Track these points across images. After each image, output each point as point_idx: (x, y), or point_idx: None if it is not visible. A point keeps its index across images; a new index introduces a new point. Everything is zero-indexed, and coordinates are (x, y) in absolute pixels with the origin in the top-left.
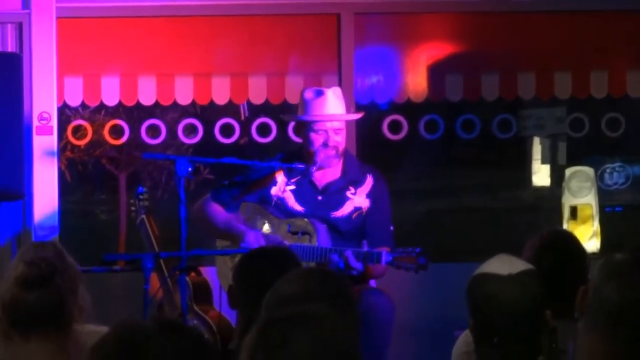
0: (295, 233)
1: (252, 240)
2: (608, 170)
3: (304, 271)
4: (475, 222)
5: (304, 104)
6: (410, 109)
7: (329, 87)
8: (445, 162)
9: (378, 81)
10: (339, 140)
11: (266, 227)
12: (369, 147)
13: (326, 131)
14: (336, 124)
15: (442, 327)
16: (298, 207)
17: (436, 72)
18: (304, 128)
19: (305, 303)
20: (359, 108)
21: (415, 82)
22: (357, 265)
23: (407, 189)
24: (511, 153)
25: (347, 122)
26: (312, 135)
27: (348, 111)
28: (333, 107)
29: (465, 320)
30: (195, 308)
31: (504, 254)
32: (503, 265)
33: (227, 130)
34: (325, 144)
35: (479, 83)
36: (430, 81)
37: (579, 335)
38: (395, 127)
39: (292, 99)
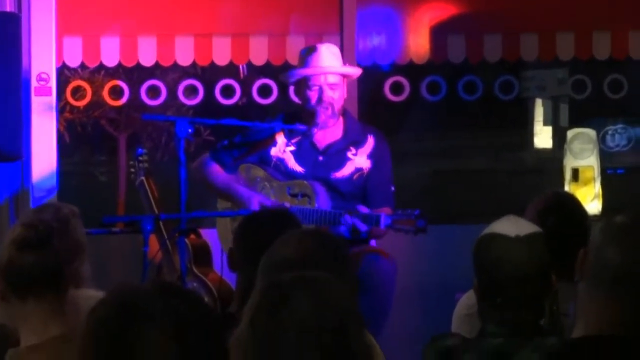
0: (294, 195)
1: (256, 204)
2: (610, 132)
3: (299, 233)
4: (478, 184)
5: (299, 61)
6: (412, 70)
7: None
8: (447, 124)
9: (380, 42)
10: (335, 97)
11: (266, 190)
12: (370, 108)
13: (320, 86)
14: (331, 79)
15: (444, 290)
16: (298, 168)
17: (438, 33)
18: (302, 87)
19: (302, 266)
20: (360, 69)
21: (418, 43)
22: (364, 228)
23: (409, 150)
24: (513, 115)
25: (348, 83)
26: (308, 92)
27: (348, 65)
28: (326, 60)
29: (466, 283)
30: (195, 271)
31: (512, 215)
32: (511, 226)
33: (227, 91)
34: (320, 100)
35: (481, 44)
36: (432, 42)
37: (579, 298)
38: (397, 88)
39: (293, 59)
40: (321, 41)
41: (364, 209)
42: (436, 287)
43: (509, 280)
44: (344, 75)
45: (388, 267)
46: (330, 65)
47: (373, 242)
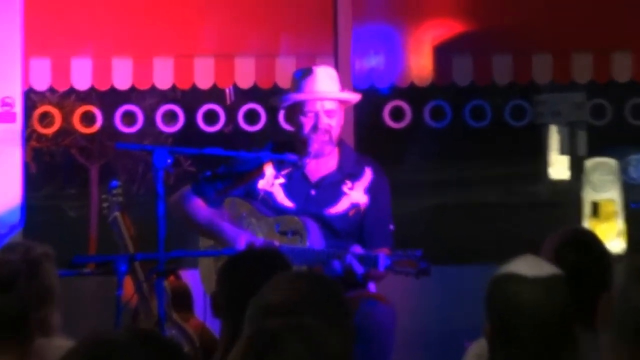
0: (284, 233)
1: (243, 243)
2: (633, 162)
3: (291, 275)
4: (487, 219)
5: (292, 84)
6: (413, 94)
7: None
8: (453, 153)
9: (378, 63)
10: (332, 124)
11: (252, 226)
12: (368, 136)
13: (316, 113)
14: (327, 105)
15: (450, 338)
16: (288, 203)
17: (443, 53)
18: (294, 113)
19: (293, 312)
20: (357, 92)
21: (420, 64)
22: (360, 270)
23: (410, 182)
24: (526, 143)
25: (344, 109)
26: (302, 118)
27: (346, 91)
28: (323, 85)
29: (475, 331)
30: (174, 317)
31: (530, 255)
32: (528, 266)
33: (211, 117)
34: (315, 127)
35: (489, 65)
36: (436, 63)
37: (602, 350)
38: (397, 114)
39: (284, 82)
40: (314, 62)
41: (359, 249)
42: (441, 336)
43: (525, 326)
44: (341, 101)
45: (387, 314)
46: (328, 91)
47: (371, 286)
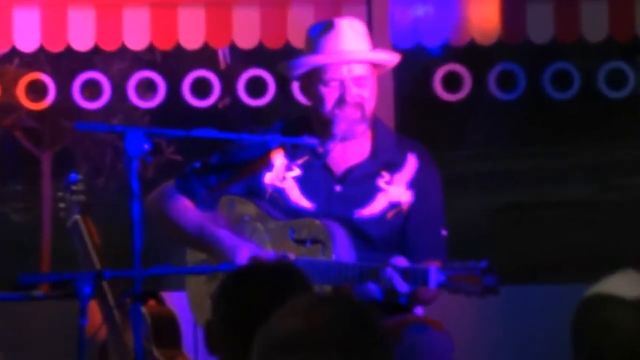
0: (301, 241)
1: (246, 257)
2: None
3: (311, 299)
4: (574, 223)
5: (308, 43)
6: (474, 55)
7: None
8: (527, 134)
9: (426, 14)
10: (364, 95)
11: (258, 234)
12: (412, 112)
13: (342, 81)
14: (357, 70)
15: None
16: (305, 203)
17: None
18: (312, 82)
19: (314, 348)
20: (398, 54)
21: (482, 14)
22: (405, 289)
23: (469, 174)
24: (626, 120)
25: (380, 76)
26: (322, 89)
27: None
28: (350, 43)
29: None
30: (156, 353)
31: (631, 271)
32: (630, 285)
33: (200, 88)
34: (341, 100)
35: (577, 16)
36: (504, 13)
37: None
38: (452, 82)
39: (298, 41)
40: (340, 14)
41: (402, 261)
42: None
43: (624, 355)
44: (374, 65)
45: (442, 343)
46: (357, 50)
47: (419, 311)
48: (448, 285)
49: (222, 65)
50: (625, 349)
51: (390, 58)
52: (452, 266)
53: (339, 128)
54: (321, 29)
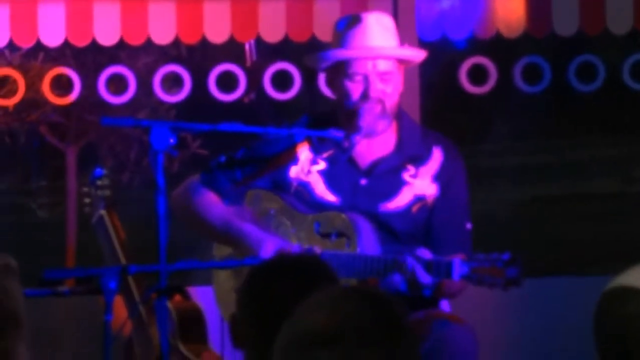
0: (326, 235)
1: (272, 251)
2: None
3: (336, 293)
4: (600, 216)
5: (334, 37)
6: (500, 48)
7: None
8: (553, 127)
9: (453, 6)
10: (387, 90)
11: (284, 227)
12: (438, 105)
13: (366, 76)
14: (382, 65)
15: None
16: (330, 197)
17: None
18: (337, 76)
19: (341, 342)
20: (424, 47)
21: (508, 7)
22: (427, 280)
23: (495, 167)
24: None
25: (405, 70)
26: (348, 84)
27: (407, 46)
28: (376, 38)
29: (585, 355)
30: (182, 348)
31: None
32: None
33: (226, 82)
34: (365, 95)
35: (602, 8)
36: (529, 6)
37: None
38: (478, 74)
39: (324, 34)
40: (365, 7)
41: (426, 254)
42: None
43: None
44: (400, 60)
45: (466, 338)
46: (382, 46)
47: (443, 304)
48: (471, 277)
49: (249, 61)
50: None
51: (415, 54)
52: (475, 258)
53: (365, 121)
54: (348, 23)
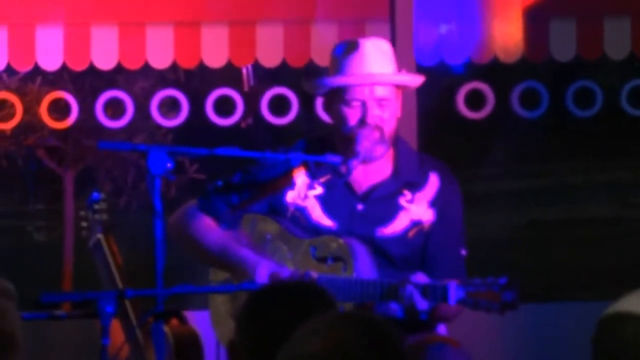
0: (322, 259)
1: (266, 275)
2: None
3: (332, 318)
4: (597, 241)
5: (332, 63)
6: (497, 73)
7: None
8: (550, 152)
9: (450, 31)
10: (385, 116)
11: (280, 252)
12: (435, 130)
13: (363, 102)
14: (379, 91)
15: None
16: (327, 222)
17: (536, 16)
18: (334, 102)
19: None
20: (421, 73)
21: (505, 32)
22: (424, 305)
23: (491, 192)
24: None
25: (402, 95)
26: (344, 109)
27: (404, 72)
28: (374, 65)
29: None
30: None
31: None
32: None
33: (224, 106)
34: (362, 122)
35: (600, 33)
36: (527, 31)
37: None
38: (475, 99)
39: (322, 59)
40: (363, 32)
41: (422, 278)
42: None
43: None
44: (398, 86)
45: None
46: (379, 72)
47: (441, 329)
48: (467, 301)
49: (246, 86)
50: None
51: (413, 80)
52: (471, 282)
53: (362, 146)
54: (345, 49)
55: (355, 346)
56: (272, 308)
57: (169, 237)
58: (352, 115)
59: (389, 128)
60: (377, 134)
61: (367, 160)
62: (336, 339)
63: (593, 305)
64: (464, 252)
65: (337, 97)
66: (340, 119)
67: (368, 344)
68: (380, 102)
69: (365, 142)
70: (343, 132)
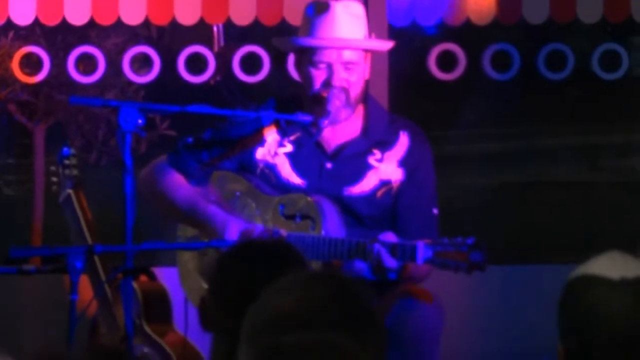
0: (291, 217)
1: (236, 233)
2: None
3: (302, 277)
4: (566, 204)
5: (302, 24)
6: (469, 34)
7: None
8: (521, 114)
9: None
10: (351, 79)
11: (249, 209)
12: (407, 91)
13: (330, 64)
14: (346, 54)
15: (518, 355)
16: (296, 179)
17: None
18: (304, 62)
19: (306, 325)
20: (394, 33)
21: None
22: (392, 264)
23: (463, 153)
24: (620, 101)
25: (371, 55)
26: (311, 70)
27: (373, 37)
28: (343, 28)
29: (549, 344)
30: (147, 329)
31: (616, 252)
32: (615, 266)
33: (196, 63)
34: (327, 83)
35: None
36: None
37: None
38: (447, 61)
39: (294, 18)
40: None
41: (391, 237)
42: (505, 351)
43: (610, 345)
44: (367, 50)
45: (430, 315)
46: (348, 38)
47: None
48: (435, 261)
49: (216, 46)
50: (609, 329)
51: (381, 46)
52: (439, 242)
53: (333, 105)
54: (316, 10)
55: (325, 304)
56: (243, 266)
57: (139, 192)
58: (318, 77)
59: (355, 91)
60: (342, 96)
61: (333, 122)
62: (308, 299)
63: (562, 268)
64: (435, 211)
65: (305, 58)
66: (307, 80)
67: (339, 303)
68: (347, 65)
69: (337, 101)
70: (309, 93)
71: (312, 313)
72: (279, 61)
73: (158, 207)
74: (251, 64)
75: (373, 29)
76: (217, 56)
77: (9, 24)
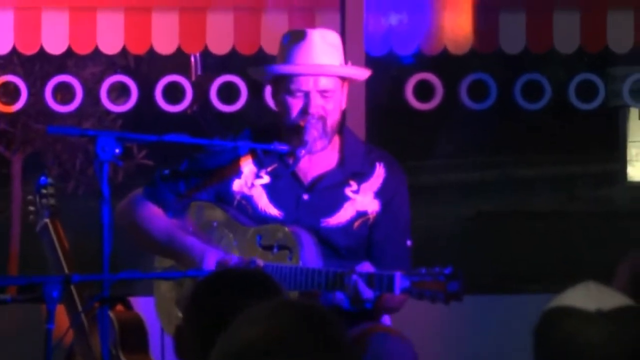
0: (268, 247)
1: (213, 263)
2: None
3: (272, 307)
4: (542, 234)
5: (279, 52)
6: (447, 64)
7: (323, 28)
8: (498, 144)
9: (400, 22)
10: (328, 108)
11: (226, 240)
12: (384, 121)
13: (307, 92)
14: (322, 82)
15: None
16: (273, 211)
17: (486, 8)
18: (280, 90)
19: (273, 355)
20: (371, 62)
21: (455, 23)
22: (369, 294)
23: (438, 184)
24: (596, 132)
25: (348, 84)
26: (288, 98)
27: (350, 64)
28: (320, 56)
29: None
30: (123, 358)
31: (592, 282)
32: (590, 297)
33: (173, 93)
34: (304, 111)
35: (549, 26)
36: (477, 22)
37: None
38: (424, 91)
39: (271, 47)
40: (314, 21)
41: (369, 267)
42: None
43: None
44: (343, 78)
45: (404, 352)
46: (325, 64)
47: (386, 319)
48: (412, 291)
49: (193, 75)
50: None
51: (358, 73)
52: (417, 272)
53: (310, 135)
54: (292, 38)
55: (292, 333)
56: (219, 295)
57: (116, 225)
58: (295, 105)
59: (332, 120)
60: (319, 125)
61: (310, 152)
62: (276, 328)
63: (538, 297)
64: (409, 242)
65: (282, 86)
66: (284, 109)
67: (306, 331)
68: (324, 93)
69: (314, 131)
70: (287, 122)
71: (279, 342)
72: (256, 91)
73: (136, 241)
74: (228, 93)
75: (350, 57)
76: (195, 85)
77: None
